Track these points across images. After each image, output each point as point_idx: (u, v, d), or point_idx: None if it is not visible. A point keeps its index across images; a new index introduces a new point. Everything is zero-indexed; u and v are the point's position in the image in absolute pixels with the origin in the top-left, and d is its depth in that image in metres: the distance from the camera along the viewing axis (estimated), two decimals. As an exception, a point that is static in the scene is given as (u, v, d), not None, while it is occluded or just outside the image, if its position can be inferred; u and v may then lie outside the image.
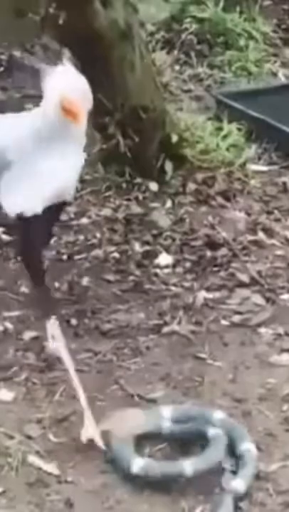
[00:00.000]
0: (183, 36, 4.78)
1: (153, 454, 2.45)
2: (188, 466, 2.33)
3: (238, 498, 2.30)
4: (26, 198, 2.47)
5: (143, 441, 2.46)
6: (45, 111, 2.47)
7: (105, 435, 2.44)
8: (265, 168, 3.84)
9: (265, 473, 2.38)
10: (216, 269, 3.22)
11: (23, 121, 2.55)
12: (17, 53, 4.71)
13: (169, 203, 3.58)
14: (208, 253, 3.29)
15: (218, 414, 2.50)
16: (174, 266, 3.24)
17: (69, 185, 2.53)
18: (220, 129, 3.91)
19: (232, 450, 2.42)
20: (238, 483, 2.32)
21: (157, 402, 2.61)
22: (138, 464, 2.35)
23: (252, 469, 2.36)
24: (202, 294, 3.08)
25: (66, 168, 2.49)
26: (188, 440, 2.46)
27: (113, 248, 3.32)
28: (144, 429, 2.46)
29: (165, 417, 2.49)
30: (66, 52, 2.58)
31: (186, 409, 2.55)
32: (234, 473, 2.37)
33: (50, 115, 2.45)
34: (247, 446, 2.41)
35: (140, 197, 3.60)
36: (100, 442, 2.43)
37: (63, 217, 3.48)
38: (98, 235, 3.39)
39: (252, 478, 2.34)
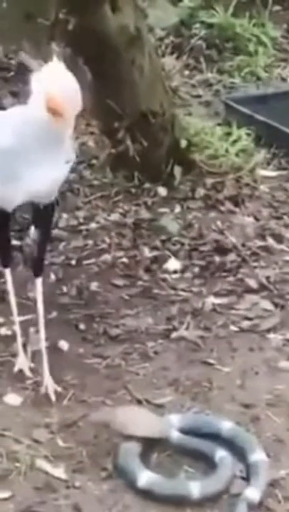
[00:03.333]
0: (192, 41, 4.78)
1: (160, 460, 2.44)
2: (195, 488, 2.31)
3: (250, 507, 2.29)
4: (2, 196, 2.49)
5: (150, 446, 2.46)
6: (31, 109, 2.41)
7: (113, 435, 2.43)
8: (274, 174, 3.83)
9: (273, 479, 2.38)
10: (224, 274, 3.22)
11: (5, 121, 2.50)
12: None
13: (177, 208, 3.58)
14: (217, 258, 3.28)
15: (228, 424, 2.49)
16: (182, 271, 3.24)
17: (45, 189, 2.51)
18: (229, 134, 3.91)
19: (242, 457, 2.41)
20: (252, 492, 2.31)
21: (165, 408, 2.61)
22: (144, 479, 2.33)
23: (265, 478, 2.35)
24: (211, 300, 3.08)
25: (45, 173, 2.45)
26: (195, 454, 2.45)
27: (122, 253, 3.32)
28: (152, 434, 2.45)
29: (174, 426, 2.48)
30: (56, 49, 2.51)
31: (196, 419, 2.53)
32: (244, 479, 2.36)
33: (35, 114, 2.39)
34: (259, 456, 2.40)
35: (149, 202, 3.60)
36: (28, 373, 2.66)
37: (72, 222, 3.50)
38: (107, 239, 3.39)
39: (265, 487, 2.34)
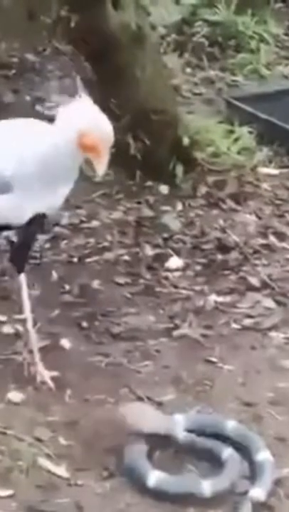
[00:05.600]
0: (194, 39, 4.78)
1: (164, 457, 2.44)
2: (206, 487, 2.31)
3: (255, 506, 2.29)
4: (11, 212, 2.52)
5: (153, 444, 2.45)
6: (59, 143, 2.45)
7: (119, 437, 2.43)
8: (276, 172, 3.83)
9: (276, 478, 2.37)
10: (226, 272, 3.21)
11: (27, 142, 2.51)
12: (29, 56, 4.72)
13: (179, 206, 3.58)
14: (219, 256, 3.28)
15: (233, 423, 2.49)
16: (184, 269, 3.24)
17: (56, 205, 2.58)
18: (231, 132, 3.91)
19: (247, 456, 2.40)
20: (258, 492, 2.31)
21: (167, 406, 2.60)
22: (154, 478, 2.32)
23: (270, 478, 2.35)
24: (213, 298, 3.08)
25: (56, 195, 2.53)
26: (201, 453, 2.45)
27: (124, 251, 3.32)
28: (158, 430, 2.44)
29: (179, 425, 2.47)
30: (79, 81, 2.54)
31: (201, 418, 2.53)
32: (248, 478, 2.36)
33: (63, 148, 2.44)
34: (265, 455, 2.39)
35: (151, 200, 3.60)
36: (50, 383, 2.62)
37: (74, 220, 3.50)
38: (109, 237, 3.39)
39: (270, 487, 2.33)
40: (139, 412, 2.48)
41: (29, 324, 2.68)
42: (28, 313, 2.67)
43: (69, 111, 2.45)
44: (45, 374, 2.66)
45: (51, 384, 2.64)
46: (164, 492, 2.31)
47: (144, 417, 2.45)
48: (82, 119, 2.43)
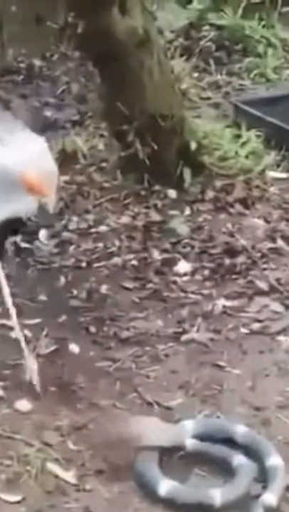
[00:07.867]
0: (201, 43, 4.78)
1: (173, 464, 2.44)
2: (217, 496, 2.30)
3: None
4: None
5: (164, 450, 2.45)
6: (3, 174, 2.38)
7: (129, 447, 2.43)
8: (284, 175, 3.83)
9: (286, 483, 2.37)
10: (234, 276, 3.21)
11: None
12: (36, 61, 4.74)
13: (187, 211, 3.58)
14: (227, 261, 3.28)
15: (243, 428, 2.48)
16: (192, 273, 3.24)
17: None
18: (238, 136, 3.91)
19: (258, 461, 2.40)
20: (270, 497, 2.30)
21: (176, 410, 2.60)
22: (165, 488, 2.32)
23: (282, 483, 2.34)
24: (221, 302, 3.08)
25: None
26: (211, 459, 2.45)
27: (132, 256, 3.32)
28: (166, 443, 2.44)
29: (188, 432, 2.47)
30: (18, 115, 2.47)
31: (210, 424, 2.52)
32: (259, 482, 2.36)
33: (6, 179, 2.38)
34: (276, 460, 2.39)
35: (159, 204, 3.60)
36: (38, 386, 2.59)
37: (82, 224, 3.50)
38: (117, 242, 3.39)
39: (283, 492, 2.33)
40: (146, 426, 2.47)
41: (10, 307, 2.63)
42: (7, 296, 2.61)
43: (12, 147, 2.37)
44: (34, 374, 2.62)
45: (38, 387, 2.61)
46: (175, 501, 2.30)
47: (151, 430, 2.44)
48: (26, 159, 2.36)
